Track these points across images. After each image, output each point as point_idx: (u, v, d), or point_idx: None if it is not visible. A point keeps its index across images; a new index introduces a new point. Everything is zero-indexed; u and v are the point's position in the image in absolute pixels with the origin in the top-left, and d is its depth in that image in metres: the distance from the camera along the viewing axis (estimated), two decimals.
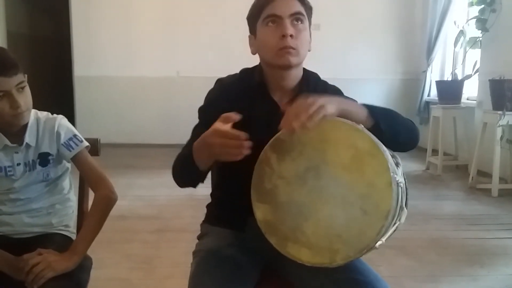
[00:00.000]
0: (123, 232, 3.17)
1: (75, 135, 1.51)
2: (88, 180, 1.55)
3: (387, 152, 1.10)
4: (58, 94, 7.19)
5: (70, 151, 1.49)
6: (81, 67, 6.54)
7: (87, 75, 6.51)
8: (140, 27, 6.52)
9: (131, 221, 3.43)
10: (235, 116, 1.12)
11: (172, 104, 6.60)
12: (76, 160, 1.51)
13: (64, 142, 1.49)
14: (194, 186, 1.33)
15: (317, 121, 1.06)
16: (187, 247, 2.94)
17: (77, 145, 1.50)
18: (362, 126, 1.12)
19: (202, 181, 1.32)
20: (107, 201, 1.49)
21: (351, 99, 1.34)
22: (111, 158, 5.14)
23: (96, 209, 1.47)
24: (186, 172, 1.29)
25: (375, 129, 1.20)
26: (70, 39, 6.55)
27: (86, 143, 1.53)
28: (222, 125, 1.11)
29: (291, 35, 1.26)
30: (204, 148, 1.16)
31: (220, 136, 1.09)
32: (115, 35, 6.51)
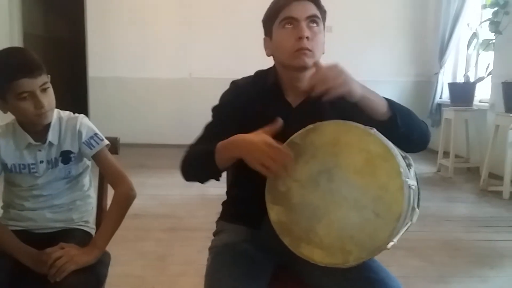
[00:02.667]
0: (136, 230, 3.22)
1: (96, 134, 1.55)
2: (108, 177, 1.60)
3: (399, 156, 1.12)
4: (72, 94, 7.26)
5: (91, 149, 1.53)
6: (95, 68, 6.63)
7: (101, 76, 6.60)
8: (154, 29, 6.58)
9: (145, 220, 3.48)
10: (279, 124, 1.20)
11: (185, 105, 6.66)
12: (96, 158, 1.56)
13: (85, 141, 1.53)
14: (203, 182, 1.36)
15: (339, 92, 1.14)
16: (200, 246, 3.00)
17: (97, 143, 1.55)
18: (375, 130, 1.14)
19: (218, 179, 1.36)
20: (126, 197, 1.53)
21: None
22: (125, 158, 5.15)
23: (116, 205, 1.51)
24: (203, 168, 1.32)
25: (392, 123, 1.23)
26: (85, 40, 6.64)
27: (107, 142, 1.57)
28: (269, 137, 1.16)
29: (307, 37, 1.30)
30: (240, 149, 1.20)
31: (270, 148, 1.14)
32: (129, 36, 6.58)
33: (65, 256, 1.34)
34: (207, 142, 1.32)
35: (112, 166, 1.57)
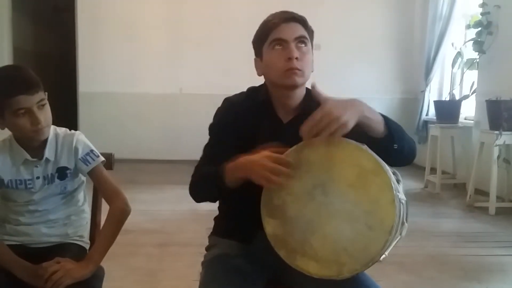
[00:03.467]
0: (127, 246, 3.20)
1: (92, 151, 1.58)
2: (104, 193, 1.62)
3: (389, 171, 1.16)
4: (62, 109, 7.23)
5: (87, 165, 1.56)
6: (85, 83, 6.63)
7: (92, 91, 6.60)
8: (144, 45, 6.62)
9: (135, 235, 3.47)
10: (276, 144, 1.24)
11: (175, 121, 6.68)
12: (92, 174, 1.58)
13: (82, 157, 1.55)
14: (215, 201, 1.42)
15: (336, 139, 1.16)
16: (191, 261, 3.00)
17: (93, 160, 1.57)
18: (366, 146, 1.18)
19: (227, 198, 1.40)
20: (122, 213, 1.56)
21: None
22: (114, 173, 5.16)
23: (112, 220, 1.54)
24: (212, 189, 1.35)
25: (388, 140, 1.27)
26: (75, 55, 6.65)
27: (102, 158, 1.60)
28: (268, 151, 1.21)
29: (296, 58, 1.35)
30: (244, 169, 1.24)
31: (269, 160, 1.19)
32: (119, 52, 6.61)
33: (61, 270, 1.36)
34: (210, 162, 1.36)
35: (107, 182, 1.59)
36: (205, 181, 1.37)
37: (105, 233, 1.53)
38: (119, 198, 1.57)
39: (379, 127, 1.26)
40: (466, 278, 2.84)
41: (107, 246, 1.50)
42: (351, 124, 1.16)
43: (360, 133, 1.22)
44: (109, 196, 1.58)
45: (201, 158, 1.45)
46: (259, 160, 1.20)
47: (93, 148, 1.59)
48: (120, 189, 1.60)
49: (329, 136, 1.14)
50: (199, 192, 1.40)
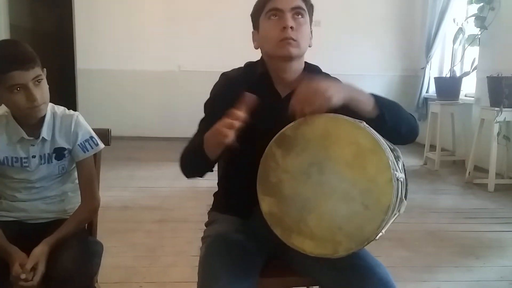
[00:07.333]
0: (126, 222, 3.23)
1: (91, 137, 1.56)
2: (83, 185, 1.58)
3: (388, 149, 1.14)
4: (60, 86, 7.20)
5: (85, 152, 1.54)
6: (83, 60, 6.58)
7: (90, 68, 6.56)
8: (142, 21, 6.56)
9: (134, 212, 3.49)
10: (249, 98, 1.19)
11: (173, 98, 6.66)
12: (81, 162, 1.55)
13: (81, 143, 1.54)
14: (202, 175, 1.38)
15: (320, 114, 1.14)
16: (190, 237, 3.02)
17: (92, 148, 1.55)
18: (364, 123, 1.16)
19: (211, 170, 1.38)
20: (92, 213, 1.58)
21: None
22: (112, 150, 5.15)
23: (80, 216, 1.54)
24: (195, 162, 1.34)
25: (380, 120, 1.25)
26: (72, 32, 6.58)
27: (102, 146, 1.58)
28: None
29: (291, 27, 1.32)
30: (206, 140, 1.24)
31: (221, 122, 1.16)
32: (117, 28, 6.55)
33: (39, 262, 1.36)
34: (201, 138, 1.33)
35: (91, 177, 1.57)
36: (191, 154, 1.36)
37: (70, 225, 1.49)
38: (96, 197, 1.57)
39: (368, 107, 1.24)
40: (465, 254, 2.85)
41: (65, 237, 1.46)
42: (335, 100, 1.15)
43: (350, 114, 1.20)
44: (87, 192, 1.56)
45: (194, 134, 1.42)
46: (215, 126, 1.18)
47: (93, 134, 1.57)
48: (98, 190, 1.60)
49: (313, 111, 1.14)
50: (186, 166, 1.38)
